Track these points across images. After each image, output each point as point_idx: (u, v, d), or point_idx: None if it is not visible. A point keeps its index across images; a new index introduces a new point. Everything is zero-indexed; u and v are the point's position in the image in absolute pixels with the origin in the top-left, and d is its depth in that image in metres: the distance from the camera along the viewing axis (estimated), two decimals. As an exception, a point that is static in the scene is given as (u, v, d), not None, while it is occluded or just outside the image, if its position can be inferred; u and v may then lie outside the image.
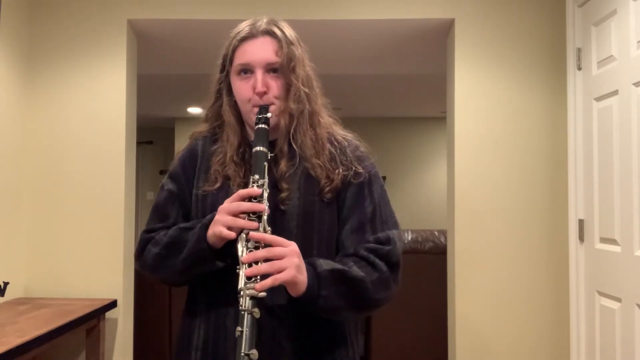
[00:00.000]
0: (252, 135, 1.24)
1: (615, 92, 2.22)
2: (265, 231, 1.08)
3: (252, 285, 1.02)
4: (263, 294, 1.01)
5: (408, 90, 5.49)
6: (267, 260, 1.04)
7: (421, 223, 6.52)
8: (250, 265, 1.04)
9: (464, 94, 2.82)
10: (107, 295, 2.73)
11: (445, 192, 3.12)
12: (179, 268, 1.17)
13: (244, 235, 1.07)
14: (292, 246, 1.07)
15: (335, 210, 1.22)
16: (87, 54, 2.81)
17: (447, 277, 2.99)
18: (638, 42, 2.08)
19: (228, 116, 1.26)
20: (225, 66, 1.26)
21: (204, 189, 1.23)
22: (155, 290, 3.55)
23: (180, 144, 1.35)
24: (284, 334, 1.13)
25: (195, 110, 6.55)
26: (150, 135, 7.41)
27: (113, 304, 2.69)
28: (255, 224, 1.07)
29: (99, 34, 2.82)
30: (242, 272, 1.03)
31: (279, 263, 1.04)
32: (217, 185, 1.22)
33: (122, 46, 2.82)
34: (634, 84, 2.09)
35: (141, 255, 1.24)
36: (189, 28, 2.96)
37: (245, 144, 1.25)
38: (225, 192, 1.19)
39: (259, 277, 1.03)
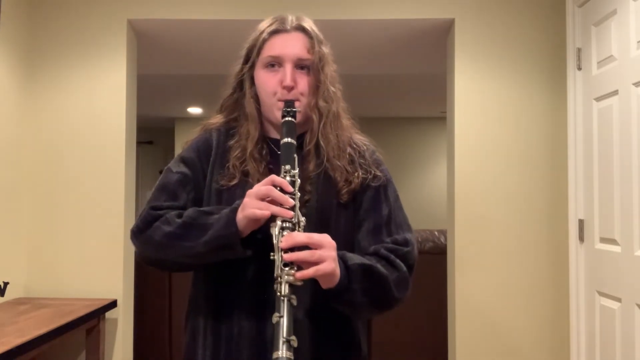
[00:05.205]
0: (270, 131, 1.24)
1: (615, 92, 2.21)
2: (299, 220, 1.05)
3: (290, 271, 0.99)
4: (300, 282, 1.00)
5: (408, 90, 5.49)
6: (305, 247, 1.01)
7: (421, 223, 6.51)
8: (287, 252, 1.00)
9: (464, 94, 2.82)
10: (107, 295, 2.73)
11: (445, 192, 3.12)
12: (197, 251, 1.10)
13: (279, 222, 1.03)
14: (329, 238, 1.05)
15: (352, 212, 1.22)
16: (87, 54, 2.81)
17: (447, 277, 2.99)
18: (638, 42, 2.08)
19: (250, 107, 1.23)
20: (251, 58, 1.23)
21: (221, 184, 1.19)
22: (155, 290, 3.55)
23: (181, 144, 1.34)
24: (299, 330, 1.12)
25: (195, 110, 6.54)
26: (150, 135, 7.41)
27: (113, 304, 2.69)
28: (290, 213, 1.04)
29: (99, 34, 2.82)
30: (278, 258, 1.00)
31: (319, 253, 1.01)
32: (235, 181, 1.19)
33: (122, 46, 2.82)
34: (634, 84, 2.08)
35: (143, 231, 1.15)
36: (189, 28, 2.95)
37: (262, 140, 1.23)
38: (242, 188, 1.16)
39: (295, 266, 1.00)
